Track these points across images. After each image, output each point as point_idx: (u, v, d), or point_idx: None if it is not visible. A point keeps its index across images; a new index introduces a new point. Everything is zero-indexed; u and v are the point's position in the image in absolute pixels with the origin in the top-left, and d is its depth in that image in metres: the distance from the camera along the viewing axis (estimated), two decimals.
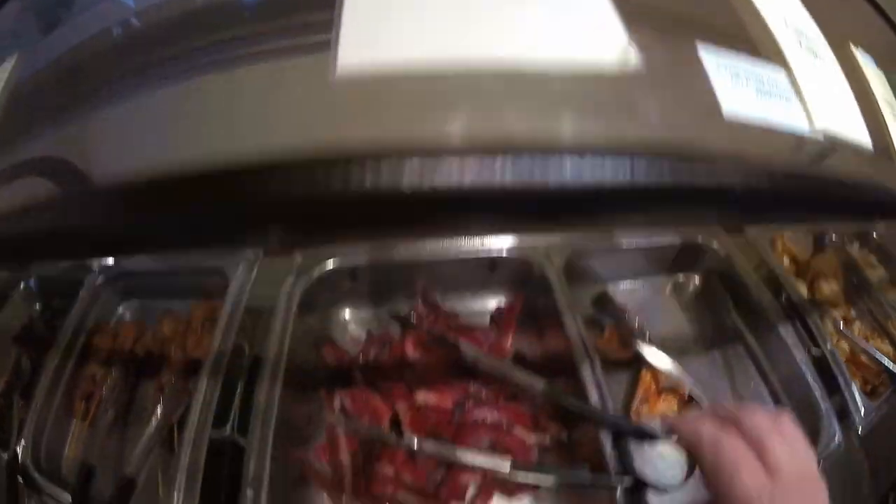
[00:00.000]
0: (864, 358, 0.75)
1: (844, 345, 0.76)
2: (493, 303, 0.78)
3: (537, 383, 0.49)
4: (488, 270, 0.74)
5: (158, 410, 0.64)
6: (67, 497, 0.60)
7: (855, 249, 0.91)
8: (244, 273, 0.69)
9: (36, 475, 0.63)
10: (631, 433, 0.51)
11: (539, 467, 0.42)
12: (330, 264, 0.70)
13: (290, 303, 0.66)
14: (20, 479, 0.62)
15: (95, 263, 0.76)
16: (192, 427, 0.60)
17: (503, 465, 0.50)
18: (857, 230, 0.93)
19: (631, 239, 0.76)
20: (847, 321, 0.80)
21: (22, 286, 0.80)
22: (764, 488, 0.36)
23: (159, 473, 0.67)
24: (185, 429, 0.60)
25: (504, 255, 0.73)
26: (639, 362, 0.68)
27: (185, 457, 0.59)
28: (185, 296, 0.75)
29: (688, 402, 0.69)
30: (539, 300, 0.71)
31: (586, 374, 0.61)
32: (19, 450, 0.63)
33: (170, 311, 0.74)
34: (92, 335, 0.74)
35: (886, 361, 0.71)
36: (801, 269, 0.87)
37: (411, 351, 0.65)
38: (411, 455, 0.58)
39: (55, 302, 0.79)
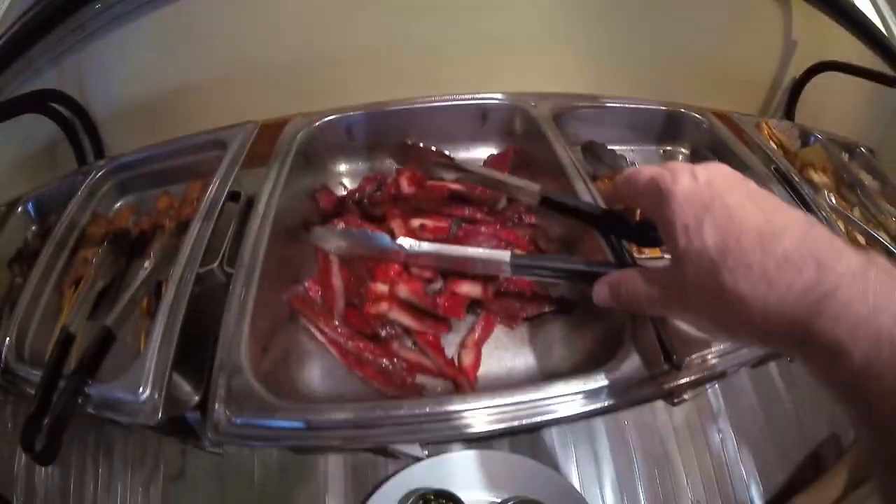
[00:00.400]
0: (858, 237, 0.74)
1: (840, 224, 0.75)
2: (485, 153, 0.78)
3: (533, 186, 0.48)
4: (480, 120, 0.75)
5: (147, 264, 0.62)
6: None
7: (845, 157, 0.92)
8: (244, 137, 0.71)
9: (16, 365, 0.62)
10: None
11: (541, 256, 0.41)
12: (326, 119, 0.71)
13: (286, 155, 0.67)
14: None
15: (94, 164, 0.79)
16: (179, 265, 0.59)
17: (503, 256, 0.47)
18: (844, 141, 0.96)
19: (615, 100, 0.78)
20: (840, 202, 0.80)
21: (19, 209, 0.81)
22: (702, 191, 0.33)
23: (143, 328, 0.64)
24: (173, 268, 0.59)
25: (496, 102, 0.75)
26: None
27: (170, 292, 0.57)
28: (182, 181, 0.76)
29: None
30: (531, 145, 0.71)
31: (580, 186, 0.62)
32: (3, 347, 0.62)
33: (166, 191, 0.75)
34: (86, 227, 0.74)
35: (882, 237, 0.71)
36: (789, 157, 0.87)
37: (406, 187, 0.65)
38: (406, 269, 0.56)
39: (51, 218, 0.79)
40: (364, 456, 0.69)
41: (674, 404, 0.74)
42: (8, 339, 0.63)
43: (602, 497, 0.66)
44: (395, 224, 0.59)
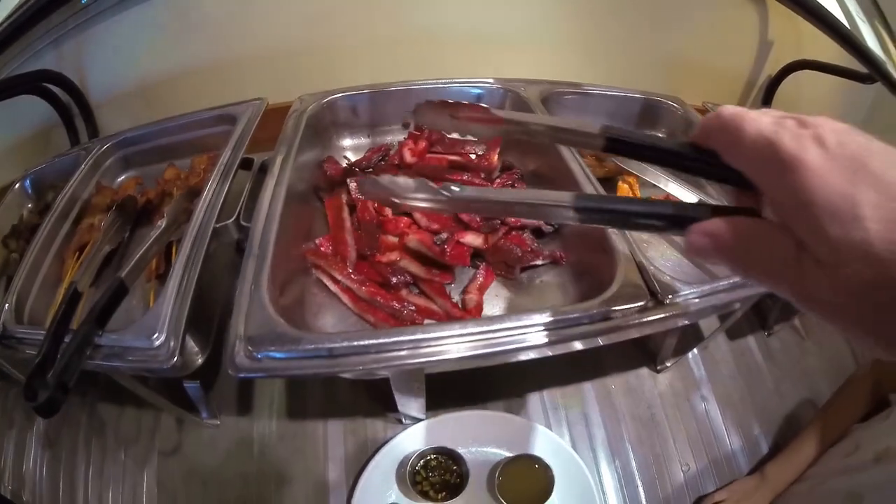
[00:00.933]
0: None
1: None
2: None
3: (592, 127, 0.36)
4: (475, 101, 0.80)
5: (161, 223, 0.63)
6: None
7: None
8: (254, 112, 0.74)
9: (15, 328, 0.61)
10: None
11: (610, 198, 0.34)
12: (334, 96, 0.75)
13: (297, 126, 0.70)
14: None
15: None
16: (195, 221, 0.60)
17: (563, 199, 0.31)
18: None
19: (597, 87, 0.85)
20: None
21: (17, 186, 0.81)
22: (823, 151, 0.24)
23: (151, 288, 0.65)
24: (189, 224, 0.60)
25: (489, 86, 0.82)
26: (619, 175, 0.73)
27: (186, 245, 0.59)
28: (187, 156, 0.78)
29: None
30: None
31: (574, 166, 0.67)
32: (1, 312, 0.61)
33: (172, 163, 0.77)
34: (91, 198, 0.75)
35: None
36: None
37: (409, 157, 0.69)
38: (415, 221, 0.60)
39: (48, 195, 0.80)
40: (362, 421, 0.71)
41: (658, 371, 0.79)
42: (7, 304, 0.62)
43: (595, 458, 0.70)
44: None
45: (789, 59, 1.07)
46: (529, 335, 0.49)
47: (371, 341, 0.46)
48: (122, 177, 0.81)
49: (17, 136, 0.92)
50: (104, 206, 0.73)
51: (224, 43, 0.90)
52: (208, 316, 0.67)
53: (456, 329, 0.47)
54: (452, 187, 0.34)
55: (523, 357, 0.50)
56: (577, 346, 0.50)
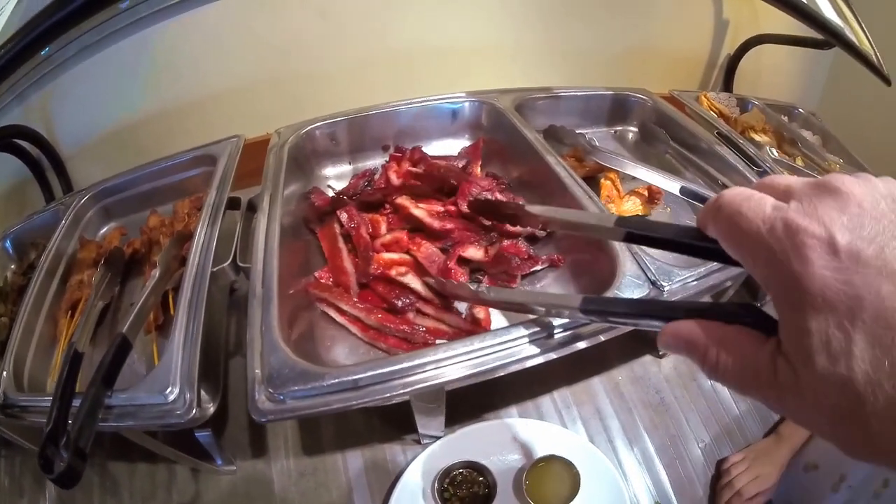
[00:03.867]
0: None
1: (784, 173, 0.82)
2: (458, 145, 0.86)
3: (608, 220, 0.37)
4: (450, 118, 0.83)
5: (155, 273, 0.62)
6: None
7: (784, 119, 1.00)
8: (232, 149, 0.73)
9: (16, 396, 0.59)
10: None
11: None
12: (311, 126, 0.75)
13: (280, 161, 0.70)
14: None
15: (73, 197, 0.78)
16: (191, 266, 0.60)
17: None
18: (782, 104, 1.05)
19: (566, 89, 0.87)
20: (783, 156, 0.90)
21: None
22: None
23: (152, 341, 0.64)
24: (186, 269, 0.60)
25: (463, 100, 0.83)
26: (600, 173, 0.75)
27: (185, 293, 0.58)
28: (167, 201, 0.77)
29: (649, 199, 0.75)
30: (499, 134, 0.79)
31: (558, 170, 0.68)
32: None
33: (154, 210, 0.75)
34: (76, 253, 0.73)
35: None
36: (730, 123, 0.94)
37: (395, 179, 0.70)
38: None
39: (31, 254, 0.77)
40: (379, 446, 0.71)
41: (660, 357, 0.82)
42: (4, 372, 0.60)
43: (614, 449, 0.71)
44: (403, 200, 0.64)
45: (746, 36, 1.11)
46: (547, 339, 0.50)
47: (394, 367, 0.47)
48: (105, 228, 0.79)
49: None
50: (90, 261, 0.71)
51: (193, 82, 0.89)
52: (214, 361, 0.66)
53: (475, 344, 0.48)
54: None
55: (542, 360, 0.51)
56: (601, 338, 0.52)
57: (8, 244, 0.76)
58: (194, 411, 0.52)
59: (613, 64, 1.05)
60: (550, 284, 0.67)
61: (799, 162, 0.90)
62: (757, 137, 0.92)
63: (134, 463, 0.71)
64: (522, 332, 0.50)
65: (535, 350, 0.50)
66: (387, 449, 0.70)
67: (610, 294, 0.55)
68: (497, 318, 0.62)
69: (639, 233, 0.34)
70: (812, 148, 0.93)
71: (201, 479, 0.70)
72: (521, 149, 0.74)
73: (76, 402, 0.52)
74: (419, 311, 0.59)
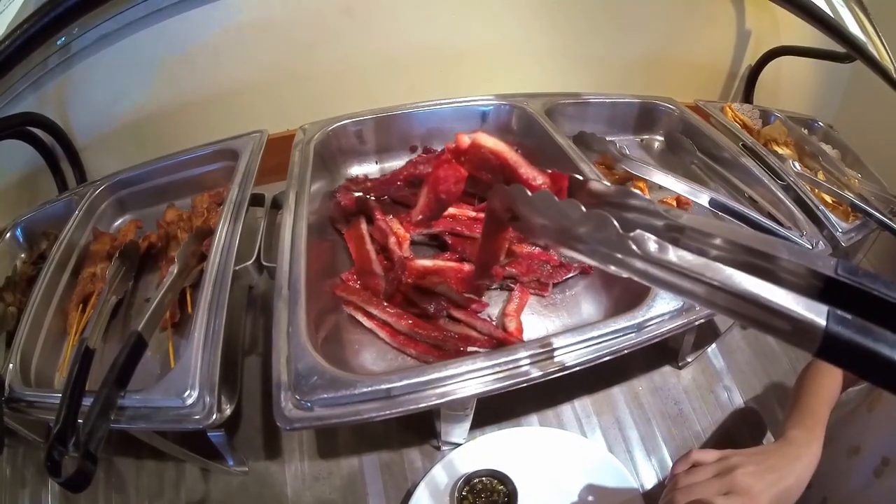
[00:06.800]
0: (826, 197, 0.82)
1: (807, 187, 0.81)
2: None
3: None
4: (479, 120, 0.81)
5: (173, 269, 0.60)
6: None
7: (804, 132, 1.00)
8: (255, 144, 0.71)
9: (24, 390, 0.56)
10: None
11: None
12: (338, 123, 0.74)
13: (306, 157, 0.68)
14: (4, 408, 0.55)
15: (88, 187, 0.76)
16: (213, 264, 0.58)
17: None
18: (802, 117, 1.06)
19: (595, 95, 0.86)
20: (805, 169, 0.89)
21: (7, 236, 0.75)
22: None
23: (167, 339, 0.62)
24: (206, 269, 0.58)
25: (492, 104, 0.81)
26: (629, 181, 0.74)
27: (206, 292, 0.56)
28: (186, 195, 0.75)
29: (678, 205, 0.74)
30: (528, 139, 0.78)
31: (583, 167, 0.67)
32: (5, 374, 0.57)
33: (172, 204, 0.73)
34: (89, 245, 0.71)
35: (847, 195, 0.78)
36: (753, 135, 0.94)
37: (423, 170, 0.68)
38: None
39: (41, 244, 0.75)
40: (397, 452, 0.69)
41: (680, 368, 0.80)
42: (11, 364, 0.57)
43: (632, 459, 0.70)
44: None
45: (767, 47, 1.11)
46: (581, 350, 0.48)
47: (429, 377, 0.45)
48: (119, 221, 0.76)
49: (1, 182, 0.87)
50: (104, 254, 0.69)
51: (215, 74, 0.87)
52: (232, 363, 0.64)
53: (511, 355, 0.47)
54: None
55: (577, 370, 0.49)
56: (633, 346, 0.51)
57: (19, 233, 0.74)
58: (214, 416, 0.49)
59: (635, 71, 1.04)
60: (580, 293, 0.65)
61: (820, 176, 0.90)
62: (780, 150, 0.92)
63: (142, 459, 0.69)
64: (569, 340, 0.49)
65: (569, 361, 0.48)
66: (404, 455, 0.68)
67: (643, 307, 0.54)
68: (528, 327, 0.61)
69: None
70: (832, 163, 0.93)
71: (211, 479, 0.68)
72: (552, 155, 0.72)
73: (87, 401, 0.49)
74: (450, 317, 0.58)
